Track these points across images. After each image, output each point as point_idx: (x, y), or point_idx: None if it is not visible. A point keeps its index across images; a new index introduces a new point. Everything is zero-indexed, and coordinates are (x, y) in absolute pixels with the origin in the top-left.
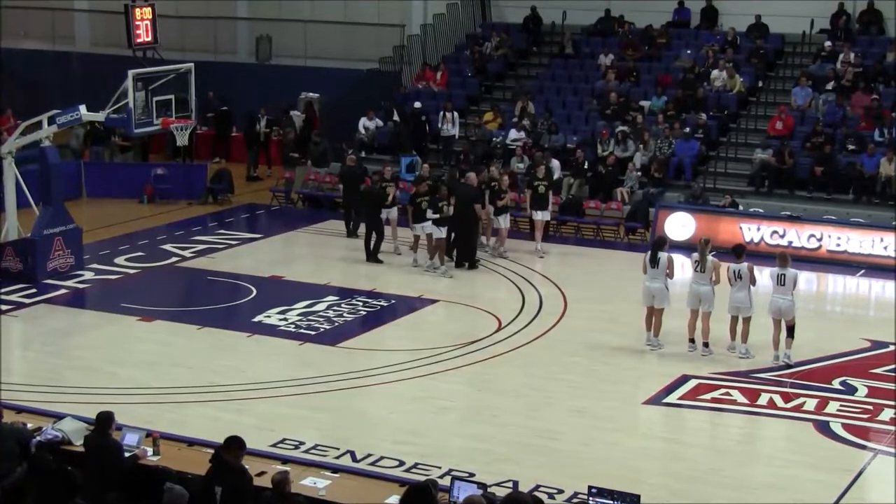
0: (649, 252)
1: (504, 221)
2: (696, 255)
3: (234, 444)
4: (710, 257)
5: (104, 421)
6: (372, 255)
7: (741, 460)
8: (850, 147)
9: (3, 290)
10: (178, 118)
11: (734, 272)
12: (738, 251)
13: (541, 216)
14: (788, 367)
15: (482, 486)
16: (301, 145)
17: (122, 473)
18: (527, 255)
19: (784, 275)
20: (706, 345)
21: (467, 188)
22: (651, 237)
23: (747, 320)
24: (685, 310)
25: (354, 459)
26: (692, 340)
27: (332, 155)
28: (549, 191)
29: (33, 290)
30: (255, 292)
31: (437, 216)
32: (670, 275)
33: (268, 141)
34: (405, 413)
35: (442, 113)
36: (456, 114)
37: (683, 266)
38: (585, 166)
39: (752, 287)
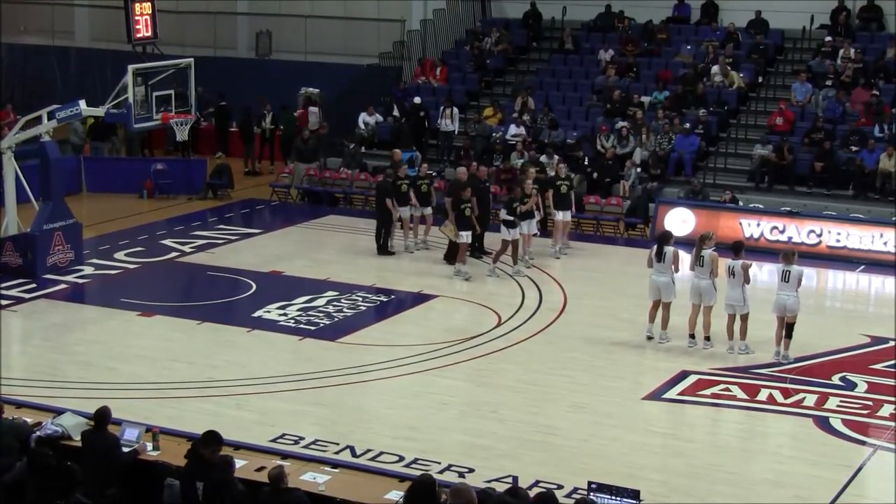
0: (655, 247)
1: (526, 227)
2: (694, 250)
3: (212, 440)
4: (708, 251)
5: (102, 417)
6: (382, 248)
7: (741, 456)
8: (854, 147)
9: (2, 285)
10: (177, 113)
11: (729, 268)
12: (737, 248)
13: (561, 216)
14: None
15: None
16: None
17: (120, 469)
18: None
19: (789, 271)
20: (707, 338)
21: (455, 185)
22: (651, 233)
23: (745, 317)
24: (685, 305)
25: (354, 455)
26: (692, 336)
27: (322, 151)
28: (572, 191)
29: (33, 285)
30: (254, 287)
31: (511, 218)
32: (675, 269)
33: (273, 136)
34: (405, 408)
35: (442, 108)
36: (455, 109)
37: (684, 261)
38: (585, 162)
39: (746, 285)
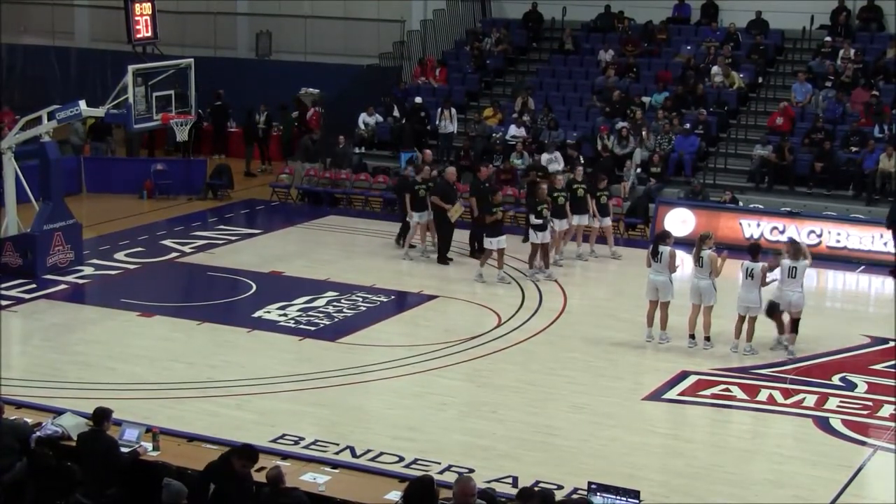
0: (651, 246)
1: (540, 237)
2: (693, 250)
3: (246, 455)
4: (707, 251)
5: (100, 416)
6: (401, 241)
7: (741, 456)
8: (854, 149)
9: (2, 286)
10: (177, 114)
11: (747, 270)
12: (754, 251)
13: (577, 220)
14: (793, 361)
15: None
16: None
17: (118, 469)
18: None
19: (795, 268)
20: (707, 339)
21: (442, 185)
22: (651, 233)
23: (754, 319)
24: (685, 305)
25: (354, 455)
26: (692, 336)
27: (324, 151)
28: (588, 194)
29: (33, 286)
30: (254, 288)
31: (540, 221)
32: (671, 268)
33: (267, 136)
34: (405, 409)
35: (440, 110)
36: (454, 111)
37: (683, 261)
38: (582, 162)
39: (762, 287)
